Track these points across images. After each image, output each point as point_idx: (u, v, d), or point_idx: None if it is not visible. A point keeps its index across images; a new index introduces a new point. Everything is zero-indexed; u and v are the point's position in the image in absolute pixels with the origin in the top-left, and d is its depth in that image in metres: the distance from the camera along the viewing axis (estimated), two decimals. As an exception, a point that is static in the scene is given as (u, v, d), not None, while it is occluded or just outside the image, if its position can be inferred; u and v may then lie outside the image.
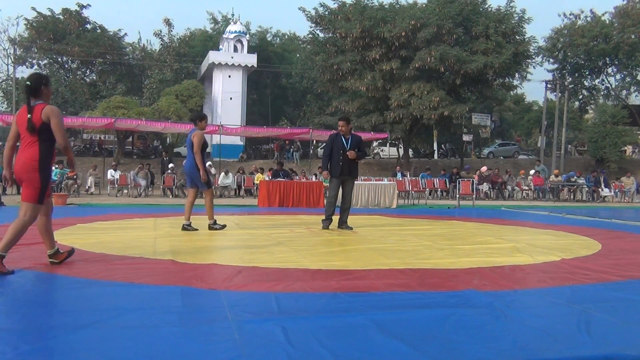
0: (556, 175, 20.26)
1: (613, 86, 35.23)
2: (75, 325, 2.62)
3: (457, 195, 15.19)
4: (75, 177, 16.54)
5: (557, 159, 29.42)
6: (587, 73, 34.49)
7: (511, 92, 33.69)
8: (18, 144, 4.17)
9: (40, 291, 3.44)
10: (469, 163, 27.55)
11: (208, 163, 18.39)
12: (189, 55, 38.29)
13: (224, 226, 7.07)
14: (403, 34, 23.03)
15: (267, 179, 15.68)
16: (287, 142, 31.30)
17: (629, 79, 34.04)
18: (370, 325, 2.69)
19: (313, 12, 25.34)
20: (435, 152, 37.50)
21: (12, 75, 32.90)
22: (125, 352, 2.28)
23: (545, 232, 7.74)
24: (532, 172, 20.02)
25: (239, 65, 35.28)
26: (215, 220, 7.05)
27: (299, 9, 25.49)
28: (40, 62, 35.91)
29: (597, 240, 6.57)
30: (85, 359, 2.20)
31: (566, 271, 4.43)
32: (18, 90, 31.59)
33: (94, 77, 37.50)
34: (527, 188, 19.73)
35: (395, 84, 24.44)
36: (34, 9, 34.30)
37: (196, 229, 6.84)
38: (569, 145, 36.58)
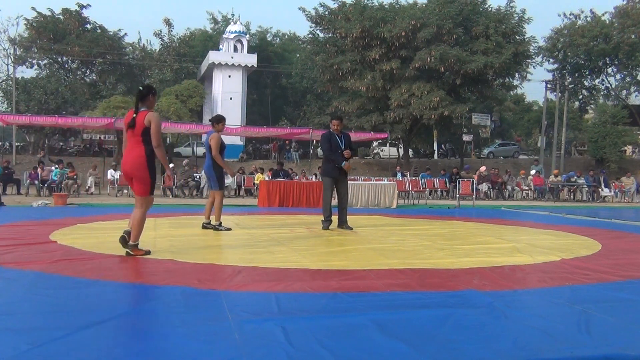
0: (555, 175, 20.25)
1: (613, 86, 35.25)
2: (75, 325, 2.61)
3: (457, 195, 15.19)
4: (75, 177, 16.55)
5: (557, 159, 29.42)
6: (587, 73, 34.50)
7: (511, 92, 33.70)
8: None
9: (40, 291, 3.44)
10: (469, 163, 27.56)
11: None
12: (189, 55, 38.29)
13: (229, 229, 7.08)
14: (403, 34, 23.03)
15: (267, 179, 15.67)
16: (287, 142, 31.31)
17: (629, 79, 34.06)
18: (370, 325, 2.69)
19: (313, 12, 25.36)
20: (435, 152, 37.51)
21: (12, 75, 32.89)
22: (125, 352, 2.27)
23: (545, 232, 7.74)
24: (532, 172, 20.02)
25: (239, 65, 35.29)
26: (221, 222, 7.08)
27: (299, 9, 25.54)
28: (40, 62, 35.91)
29: (597, 240, 6.57)
30: (85, 359, 2.20)
31: (566, 271, 4.43)
32: (18, 90, 31.59)
33: (94, 77, 37.50)
34: (527, 188, 19.73)
35: (395, 84, 24.44)
36: (34, 9, 34.37)
37: (229, 229, 7.01)
38: (570, 146, 36.59)
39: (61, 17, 34.92)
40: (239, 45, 36.06)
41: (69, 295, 3.35)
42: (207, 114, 36.27)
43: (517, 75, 26.58)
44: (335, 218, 7.49)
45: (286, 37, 45.34)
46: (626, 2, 31.56)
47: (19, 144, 32.99)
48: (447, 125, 26.39)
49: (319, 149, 31.67)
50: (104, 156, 25.53)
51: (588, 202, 18.68)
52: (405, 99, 23.61)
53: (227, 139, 9.81)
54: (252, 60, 35.54)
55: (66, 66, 37.15)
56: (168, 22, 37.54)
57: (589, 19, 32.70)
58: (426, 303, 3.25)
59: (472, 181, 15.94)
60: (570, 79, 34.05)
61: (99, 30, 36.10)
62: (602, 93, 35.80)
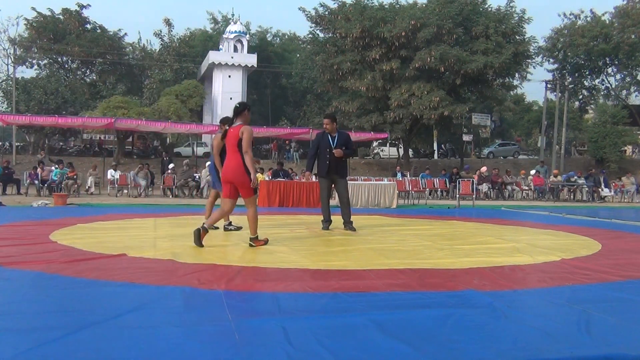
0: (555, 175, 20.25)
1: (613, 86, 35.25)
2: (75, 325, 2.61)
3: (457, 195, 15.18)
4: (75, 177, 16.54)
5: (557, 159, 29.42)
6: (587, 73, 34.50)
7: (511, 92, 33.70)
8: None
9: (40, 291, 3.44)
10: (469, 163, 27.55)
11: (208, 163, 18.38)
12: (189, 55, 38.29)
13: (239, 228, 7.07)
14: (403, 34, 23.03)
15: (267, 179, 15.66)
16: (287, 142, 31.30)
17: (629, 79, 34.06)
18: (370, 325, 2.69)
19: (313, 12, 25.37)
20: (435, 152, 37.51)
21: (12, 75, 32.89)
22: (125, 352, 2.27)
23: (545, 232, 7.73)
24: (532, 172, 20.02)
25: (239, 65, 35.29)
26: (231, 222, 7.10)
27: (299, 9, 25.55)
28: (40, 62, 35.92)
29: (597, 240, 6.57)
30: (85, 359, 2.20)
31: (566, 271, 4.42)
32: (18, 90, 31.58)
33: (94, 77, 37.51)
34: (527, 188, 19.73)
35: (395, 84, 24.44)
36: (34, 9, 34.39)
37: (239, 227, 7.03)
38: (570, 146, 36.58)
39: (61, 17, 34.93)
40: (239, 45, 36.05)
41: (69, 295, 3.35)
42: (207, 114, 36.29)
43: (517, 75, 26.59)
44: (334, 218, 7.46)
45: (286, 37, 45.34)
46: (626, 2, 31.56)
47: (19, 144, 32.99)
48: (447, 125, 26.39)
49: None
50: (104, 156, 25.51)
51: (588, 202, 18.67)
52: (405, 99, 23.61)
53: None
54: (252, 60, 35.54)
55: (66, 66, 37.16)
56: (168, 22, 37.58)
57: (589, 19, 32.73)
58: (426, 303, 3.24)
59: (472, 181, 15.93)
60: (570, 79, 34.06)
61: (99, 30, 36.10)
62: (602, 93, 35.80)
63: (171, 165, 17.84)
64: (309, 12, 25.43)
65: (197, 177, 17.34)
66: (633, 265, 4.79)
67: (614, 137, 28.34)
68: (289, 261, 4.66)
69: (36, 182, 15.76)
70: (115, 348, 2.32)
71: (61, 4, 39.48)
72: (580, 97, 35.88)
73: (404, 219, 9.85)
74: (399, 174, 20.05)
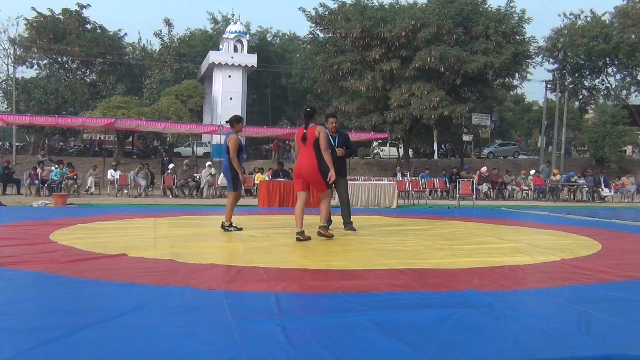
0: (555, 175, 20.26)
1: (613, 86, 35.22)
2: (75, 325, 2.61)
3: (457, 195, 15.19)
4: (75, 177, 16.55)
5: (557, 159, 29.41)
6: (587, 73, 34.47)
7: (511, 92, 33.70)
8: None
9: (40, 291, 3.44)
10: (469, 163, 27.56)
11: (208, 163, 18.40)
12: (189, 55, 38.28)
13: (240, 229, 7.07)
14: (403, 34, 23.03)
15: (267, 179, 15.67)
16: (287, 142, 31.30)
17: (629, 79, 34.01)
18: (370, 325, 2.69)
19: (313, 12, 25.37)
20: (435, 152, 37.52)
21: (12, 75, 32.89)
22: (125, 352, 2.27)
23: (545, 232, 7.73)
24: (532, 172, 20.02)
25: (239, 65, 35.27)
26: (232, 223, 7.09)
27: (299, 9, 25.55)
28: (40, 62, 35.91)
29: (597, 240, 6.56)
30: (85, 359, 2.20)
31: (566, 271, 4.42)
32: (18, 90, 31.59)
33: (94, 77, 37.49)
34: (527, 188, 19.73)
35: (395, 84, 24.44)
36: (34, 9, 34.36)
37: (240, 228, 7.03)
38: (570, 146, 36.57)
39: (61, 17, 34.90)
40: (239, 45, 36.04)
41: (69, 295, 3.35)
42: (207, 114, 36.28)
43: (517, 75, 26.57)
44: (334, 218, 7.46)
45: (286, 37, 45.32)
46: (626, 2, 31.53)
47: (19, 144, 33.00)
48: (447, 125, 26.39)
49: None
50: (104, 156, 25.53)
51: (588, 202, 18.67)
52: (405, 99, 23.61)
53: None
54: (252, 60, 35.52)
55: (66, 66, 37.15)
56: (168, 22, 37.53)
57: (589, 19, 32.69)
58: (426, 303, 3.24)
59: (472, 181, 15.94)
60: (570, 79, 34.02)
61: (99, 30, 36.09)
62: (602, 93, 35.76)
63: (171, 165, 17.85)
64: (309, 12, 25.45)
65: (197, 177, 17.35)
66: (633, 265, 4.79)
67: (614, 137, 28.33)
68: (289, 261, 4.66)
69: (36, 182, 15.76)
70: (115, 348, 2.32)
71: (61, 4, 39.53)
72: (580, 97, 35.85)
73: (404, 219, 9.85)
74: (399, 174, 20.06)
